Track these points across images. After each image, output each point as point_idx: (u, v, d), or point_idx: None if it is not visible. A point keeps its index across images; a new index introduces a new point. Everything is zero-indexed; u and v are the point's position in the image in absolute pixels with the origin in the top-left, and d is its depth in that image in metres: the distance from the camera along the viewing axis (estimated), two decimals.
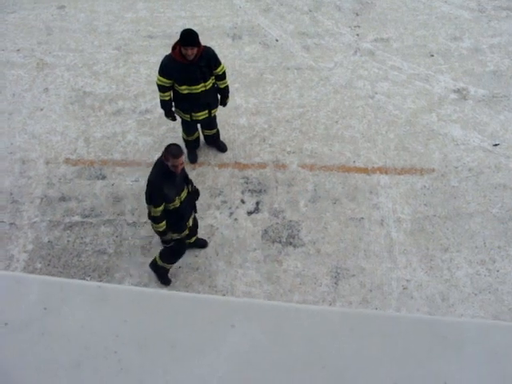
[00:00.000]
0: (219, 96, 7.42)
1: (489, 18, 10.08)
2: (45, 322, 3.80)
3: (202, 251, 7.08)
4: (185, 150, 7.92)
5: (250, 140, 8.27)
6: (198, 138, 7.95)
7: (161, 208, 5.89)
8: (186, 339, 3.70)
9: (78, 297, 3.96)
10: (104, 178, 7.89)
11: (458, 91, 8.86)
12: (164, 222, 6.07)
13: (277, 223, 7.35)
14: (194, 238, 6.92)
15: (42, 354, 3.66)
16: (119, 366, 3.59)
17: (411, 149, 8.08)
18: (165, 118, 7.56)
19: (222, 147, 8.13)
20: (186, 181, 6.29)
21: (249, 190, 7.68)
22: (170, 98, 7.15)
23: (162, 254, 6.67)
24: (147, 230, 7.22)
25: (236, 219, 7.41)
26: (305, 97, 8.84)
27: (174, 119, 7.47)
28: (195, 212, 6.63)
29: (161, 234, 6.22)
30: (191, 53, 6.54)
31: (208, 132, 7.91)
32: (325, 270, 6.92)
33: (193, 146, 8.00)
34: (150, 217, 6.06)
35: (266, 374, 3.58)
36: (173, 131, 8.11)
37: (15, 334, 3.74)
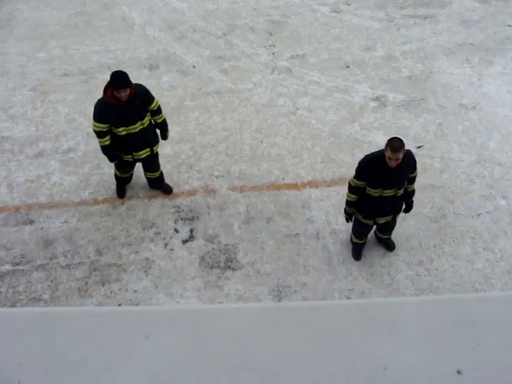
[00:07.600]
0: (158, 131, 7.27)
1: (398, 27, 10.37)
2: None
3: (141, 286, 6.93)
4: (113, 186, 7.81)
5: (177, 168, 8.19)
6: (132, 174, 7.75)
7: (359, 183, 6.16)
8: (95, 357, 3.38)
9: None
10: (32, 222, 7.64)
11: (377, 99, 9.03)
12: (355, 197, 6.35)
13: (213, 248, 7.26)
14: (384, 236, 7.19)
15: None
16: None
17: (338, 160, 8.16)
18: (89, 156, 7.40)
19: (167, 189, 7.89)
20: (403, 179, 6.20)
21: (181, 219, 7.58)
22: (111, 142, 6.90)
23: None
24: (82, 270, 7.04)
25: (172, 249, 7.28)
26: (227, 120, 8.85)
27: (120, 161, 7.26)
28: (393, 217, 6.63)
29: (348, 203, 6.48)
30: (124, 95, 6.37)
31: (151, 175, 7.69)
32: (266, 290, 6.85)
33: (124, 181, 7.81)
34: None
35: (185, 382, 3.30)
36: (98, 168, 7.96)
37: None
